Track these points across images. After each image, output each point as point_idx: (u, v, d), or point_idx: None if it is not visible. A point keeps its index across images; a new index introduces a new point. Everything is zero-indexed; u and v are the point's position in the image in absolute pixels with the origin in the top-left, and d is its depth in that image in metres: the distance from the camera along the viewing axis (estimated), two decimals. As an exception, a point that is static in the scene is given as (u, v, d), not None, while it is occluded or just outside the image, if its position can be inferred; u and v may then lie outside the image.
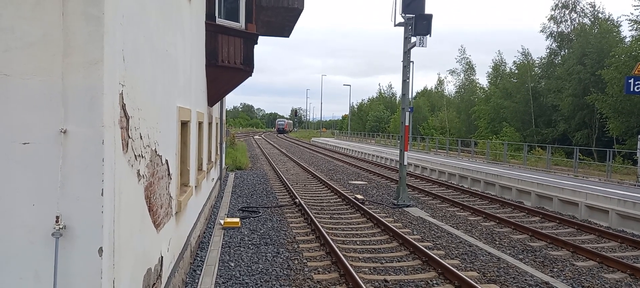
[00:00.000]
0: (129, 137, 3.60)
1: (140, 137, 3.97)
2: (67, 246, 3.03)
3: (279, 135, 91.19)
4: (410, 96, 27.45)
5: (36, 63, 2.96)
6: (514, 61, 43.57)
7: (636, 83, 18.57)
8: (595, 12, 37.15)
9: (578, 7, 38.43)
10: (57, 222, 2.99)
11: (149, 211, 4.44)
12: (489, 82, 47.93)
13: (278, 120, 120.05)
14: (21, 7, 2.94)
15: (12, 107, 2.96)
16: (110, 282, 3.24)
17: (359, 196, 15.05)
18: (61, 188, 3.01)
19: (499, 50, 73.90)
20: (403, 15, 14.02)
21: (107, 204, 3.11)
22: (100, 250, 3.06)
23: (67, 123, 3.00)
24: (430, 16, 13.37)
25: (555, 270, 8.35)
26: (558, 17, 39.21)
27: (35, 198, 3.01)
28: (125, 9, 3.45)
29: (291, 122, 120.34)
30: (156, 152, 4.66)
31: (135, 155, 3.80)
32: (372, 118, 76.28)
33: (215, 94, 10.46)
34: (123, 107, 3.42)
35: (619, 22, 34.83)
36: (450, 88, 74.96)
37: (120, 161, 3.37)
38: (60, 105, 2.99)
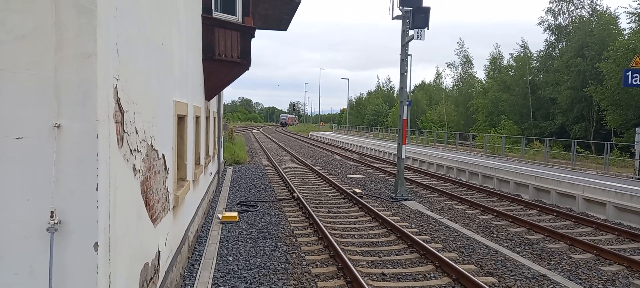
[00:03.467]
0: (124, 131, 3.58)
1: (136, 131, 3.94)
2: (62, 241, 3.01)
3: (281, 127, 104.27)
4: (408, 90, 27.39)
5: (28, 57, 2.92)
6: (511, 54, 43.57)
7: (634, 75, 18.56)
8: (593, 4, 37.09)
9: (576, -1, 38.31)
10: (51, 217, 2.97)
11: (146, 206, 4.42)
12: (486, 75, 47.91)
13: (281, 115, 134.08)
14: (12, 0, 2.90)
15: (5, 102, 2.92)
16: (107, 276, 3.22)
17: (357, 190, 15.05)
18: (55, 183, 2.99)
19: (496, 43, 73.71)
20: (401, 8, 13.96)
21: (102, 199, 3.09)
22: (96, 245, 3.04)
23: (61, 117, 2.96)
24: (428, 9, 13.32)
25: (552, 262, 8.37)
26: (556, 10, 39.10)
27: (29, 194, 2.98)
28: (118, 1, 3.41)
29: (293, 116, 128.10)
30: (152, 146, 4.63)
31: (130, 150, 3.77)
32: (371, 112, 76.22)
33: (212, 88, 10.43)
34: (118, 101, 3.39)
35: (616, 15, 34.85)
36: (448, 81, 74.89)
37: (115, 156, 3.34)
38: (53, 99, 2.95)
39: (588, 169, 20.61)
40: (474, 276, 6.95)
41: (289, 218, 11.12)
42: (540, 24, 40.06)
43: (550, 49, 40.40)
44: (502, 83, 42.33)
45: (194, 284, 6.60)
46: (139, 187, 4.11)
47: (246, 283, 6.74)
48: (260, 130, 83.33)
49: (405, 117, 14.87)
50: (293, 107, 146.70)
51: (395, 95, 73.42)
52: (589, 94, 30.43)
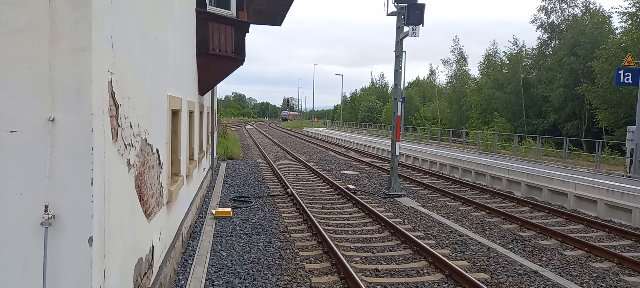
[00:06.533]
0: (119, 125, 3.56)
1: (130, 125, 3.92)
2: (57, 236, 2.99)
3: (281, 121, 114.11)
4: (402, 86, 27.46)
5: (23, 50, 2.89)
6: (505, 52, 43.78)
7: (626, 74, 18.75)
8: (586, 2, 37.32)
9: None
10: (46, 211, 2.95)
11: (140, 201, 4.41)
12: (480, 72, 48.13)
13: (283, 112, 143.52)
14: (7, -8, 2.87)
15: (-1, 95, 2.90)
16: (101, 271, 3.21)
17: (350, 186, 15.08)
18: (50, 177, 2.97)
19: (493, 40, 73.79)
20: (396, 4, 13.97)
21: (97, 193, 3.07)
22: (90, 240, 3.03)
23: (55, 111, 2.94)
24: (423, 6, 13.32)
25: (544, 259, 8.45)
26: (549, 8, 39.28)
27: (23, 188, 2.96)
28: (113, -5, 3.38)
29: (293, 113, 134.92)
30: (146, 141, 4.61)
31: (125, 144, 3.75)
32: (364, 108, 76.30)
33: (206, 83, 10.38)
34: (112, 95, 3.37)
35: (609, 14, 35.10)
36: (442, 78, 75.10)
37: (109, 150, 3.33)
38: (48, 93, 2.93)
39: (579, 167, 20.79)
40: (466, 272, 7.00)
41: (282, 214, 11.13)
42: (533, 22, 40.28)
43: (543, 47, 40.61)
44: (495, 81, 42.53)
45: (187, 279, 6.60)
46: (133, 181, 4.10)
47: (240, 278, 6.74)
48: (254, 125, 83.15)
49: (399, 114, 14.90)
50: (286, 103, 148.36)
51: (389, 91, 73.53)
52: (581, 92, 30.65)
